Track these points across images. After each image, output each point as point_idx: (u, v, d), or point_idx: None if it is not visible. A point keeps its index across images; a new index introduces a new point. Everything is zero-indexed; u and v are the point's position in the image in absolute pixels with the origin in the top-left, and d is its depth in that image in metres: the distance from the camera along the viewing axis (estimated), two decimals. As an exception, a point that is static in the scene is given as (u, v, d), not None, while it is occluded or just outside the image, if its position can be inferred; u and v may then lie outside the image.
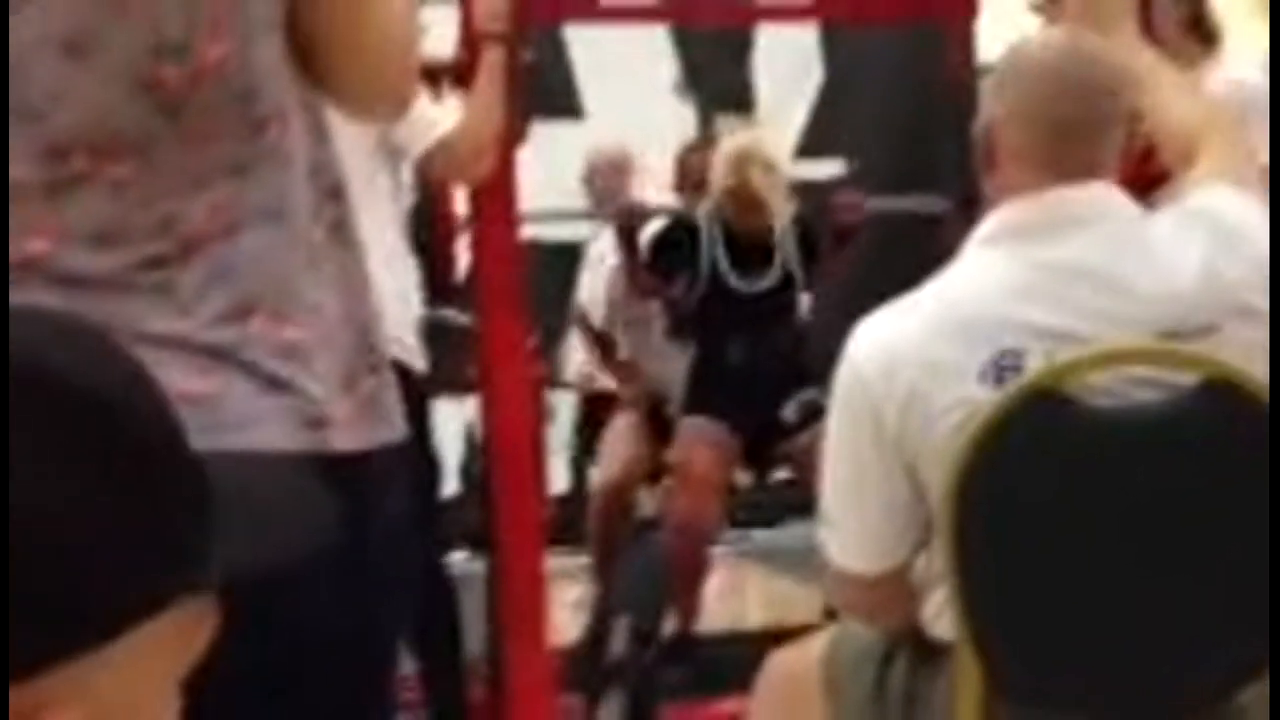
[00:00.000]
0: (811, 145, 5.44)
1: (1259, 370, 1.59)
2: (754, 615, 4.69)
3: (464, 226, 3.39)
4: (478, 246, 2.85)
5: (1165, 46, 2.44)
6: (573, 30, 4.98)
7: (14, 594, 0.58)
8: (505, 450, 2.78)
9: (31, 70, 1.09)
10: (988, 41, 5.03)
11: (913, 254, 3.46)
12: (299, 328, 1.12)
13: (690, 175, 3.97)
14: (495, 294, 2.78)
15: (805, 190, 5.46)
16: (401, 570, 1.20)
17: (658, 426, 3.83)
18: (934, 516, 1.62)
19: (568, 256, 4.75)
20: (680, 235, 3.65)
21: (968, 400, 1.57)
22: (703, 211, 3.68)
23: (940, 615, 1.70)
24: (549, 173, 4.26)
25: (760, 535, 5.04)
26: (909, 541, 1.66)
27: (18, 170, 1.11)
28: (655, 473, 3.89)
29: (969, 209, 3.86)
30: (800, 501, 4.46)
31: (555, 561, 3.29)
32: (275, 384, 1.09)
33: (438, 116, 2.55)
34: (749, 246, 3.60)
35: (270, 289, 1.12)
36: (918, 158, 5.42)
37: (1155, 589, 1.61)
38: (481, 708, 2.91)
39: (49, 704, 0.59)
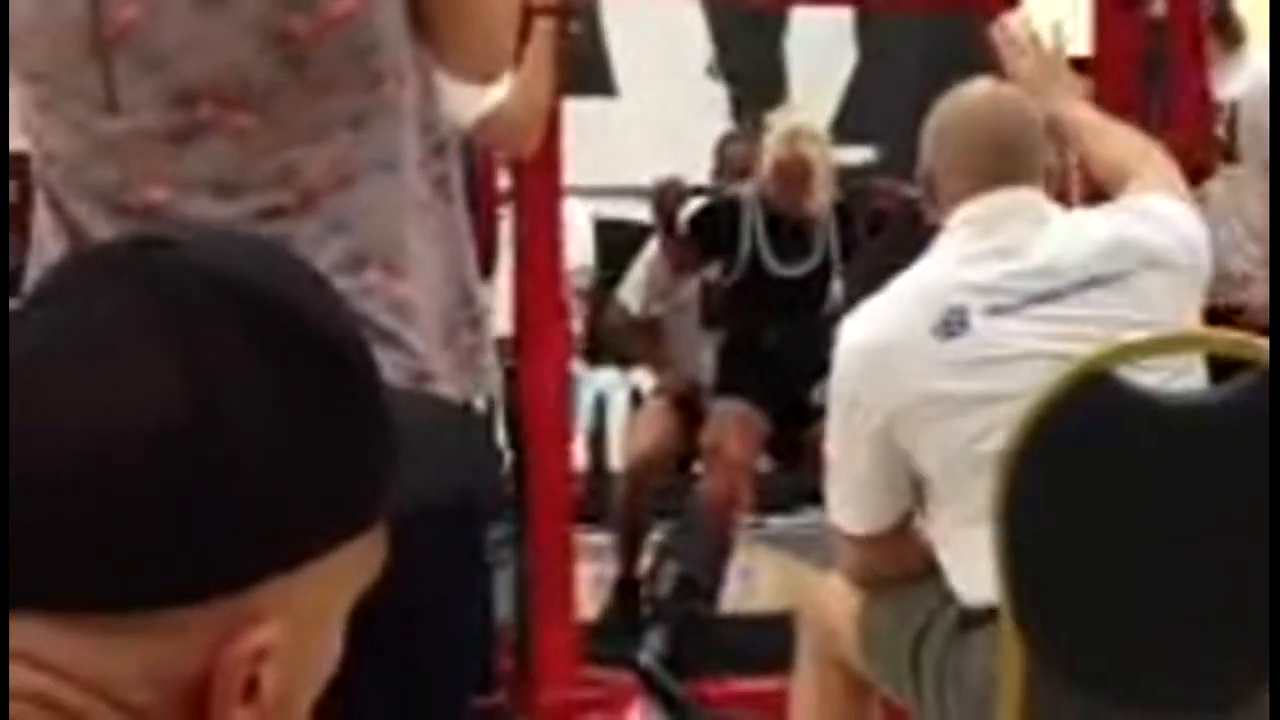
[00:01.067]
0: (843, 130, 5.43)
1: (1167, 309, 1.82)
2: (766, 599, 4.70)
3: (505, 200, 3.35)
4: (520, 219, 2.85)
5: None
6: (608, 8, 4.97)
7: (241, 509, 0.60)
8: (539, 424, 2.79)
9: (163, 19, 1.11)
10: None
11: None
12: (408, 281, 1.14)
13: (731, 164, 3.96)
14: (536, 268, 2.79)
15: (837, 175, 5.48)
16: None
17: (688, 414, 3.82)
18: (923, 480, 1.84)
19: (610, 232, 4.75)
20: (721, 214, 3.63)
21: (921, 355, 1.80)
22: (746, 192, 3.67)
23: (975, 584, 1.74)
24: (581, 148, 4.26)
25: (775, 521, 5.05)
26: (895, 505, 1.88)
27: (143, 117, 1.13)
28: (684, 461, 3.88)
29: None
30: (815, 488, 4.47)
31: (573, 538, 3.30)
32: (385, 338, 1.10)
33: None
34: (790, 231, 3.58)
35: (383, 240, 1.14)
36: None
37: (1201, 573, 1.62)
38: (508, 675, 2.93)
39: (256, 615, 0.61)
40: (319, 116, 1.13)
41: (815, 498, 4.77)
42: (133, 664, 0.60)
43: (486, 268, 3.69)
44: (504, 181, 3.37)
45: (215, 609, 0.60)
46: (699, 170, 4.15)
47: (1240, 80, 3.33)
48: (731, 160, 3.96)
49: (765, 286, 3.59)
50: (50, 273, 0.66)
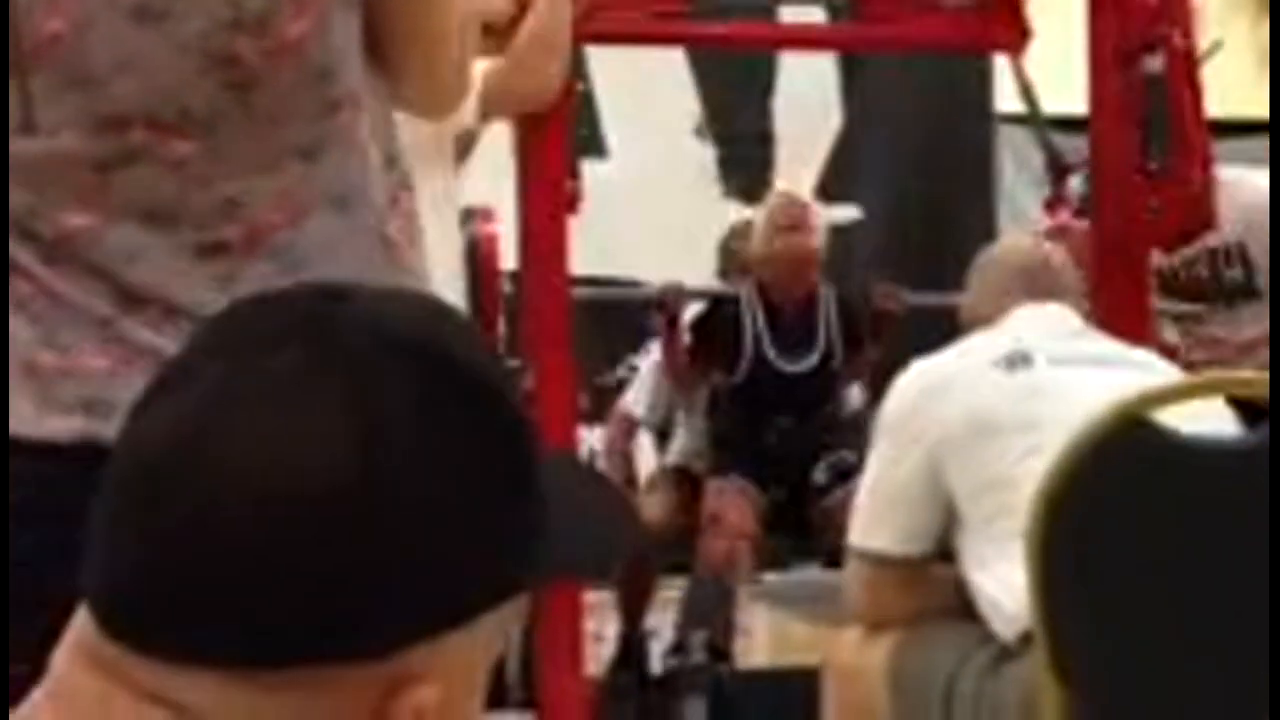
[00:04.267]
0: (829, 188, 5.48)
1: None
2: (763, 656, 4.68)
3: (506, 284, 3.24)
4: (528, 297, 2.83)
5: None
6: (597, 68, 5.01)
7: (407, 569, 0.60)
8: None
9: (94, 34, 1.02)
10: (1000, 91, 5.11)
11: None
12: None
13: (736, 261, 3.96)
14: (543, 334, 2.78)
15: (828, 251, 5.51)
16: None
17: (690, 489, 3.83)
18: (958, 507, 1.88)
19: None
20: (722, 315, 3.64)
21: (983, 382, 1.88)
22: (744, 289, 3.68)
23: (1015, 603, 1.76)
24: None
25: (771, 578, 5.05)
26: (924, 533, 1.93)
27: (64, 139, 1.03)
28: (686, 530, 3.88)
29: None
30: (809, 546, 4.48)
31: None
32: None
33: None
34: (791, 324, 3.60)
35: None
36: (934, 204, 5.48)
37: (1237, 617, 1.63)
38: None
39: (414, 675, 0.60)
40: (267, 147, 1.05)
41: (811, 553, 4.83)
42: None
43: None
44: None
45: (378, 667, 0.60)
46: (691, 241, 4.14)
47: (1234, 220, 3.18)
48: (737, 256, 3.96)
49: (770, 383, 3.60)
50: (220, 322, 0.65)
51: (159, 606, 0.59)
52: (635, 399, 4.11)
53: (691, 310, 3.74)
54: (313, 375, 0.60)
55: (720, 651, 3.37)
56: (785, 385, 3.60)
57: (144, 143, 1.03)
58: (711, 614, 3.42)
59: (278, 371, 0.60)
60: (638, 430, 4.19)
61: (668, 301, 3.60)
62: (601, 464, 4.49)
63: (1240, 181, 3.32)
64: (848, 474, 3.51)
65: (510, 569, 0.63)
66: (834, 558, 3.77)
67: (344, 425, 0.59)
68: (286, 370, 0.60)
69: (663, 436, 4.14)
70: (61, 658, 0.63)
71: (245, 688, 0.59)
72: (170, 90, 1.03)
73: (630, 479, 4.18)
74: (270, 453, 0.59)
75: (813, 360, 3.62)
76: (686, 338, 3.64)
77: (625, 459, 4.26)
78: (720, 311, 3.66)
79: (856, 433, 3.73)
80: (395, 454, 0.60)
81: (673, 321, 3.61)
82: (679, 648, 3.39)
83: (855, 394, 3.85)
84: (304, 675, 0.59)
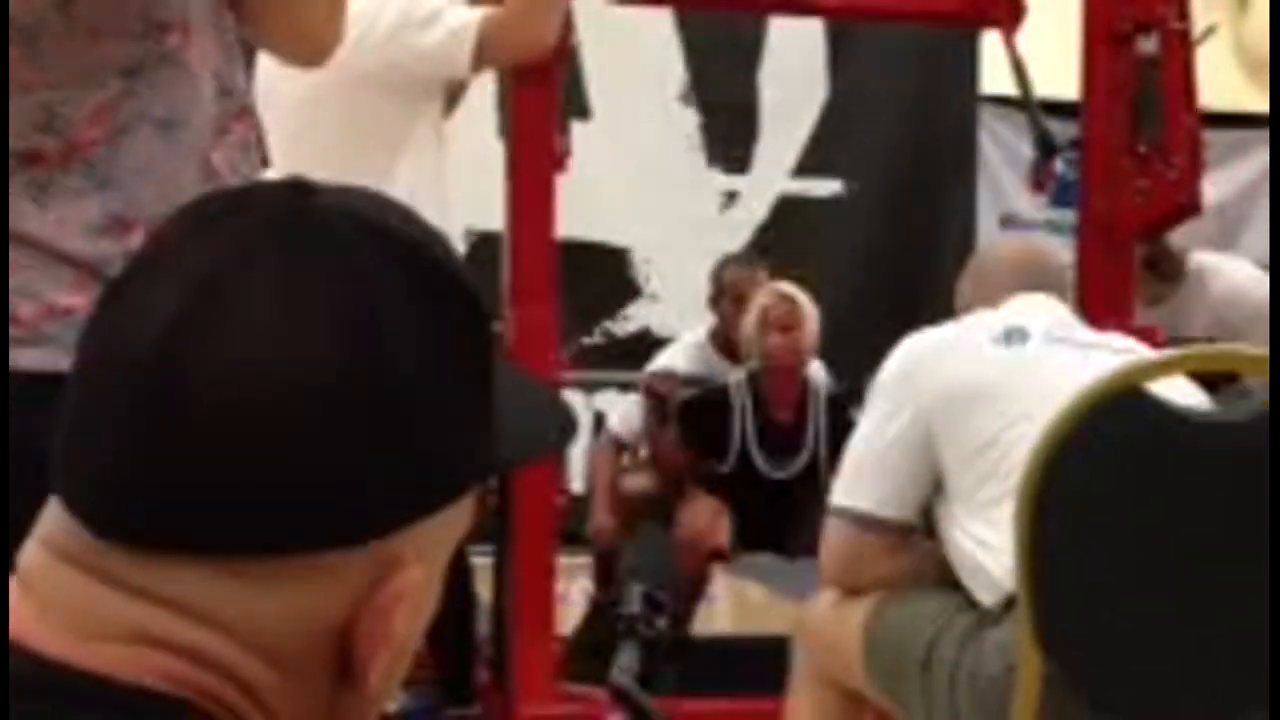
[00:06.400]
0: (811, 163, 5.48)
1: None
2: (724, 623, 4.72)
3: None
4: (513, 251, 2.81)
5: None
6: (584, 31, 4.98)
7: (403, 453, 0.60)
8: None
9: None
10: (988, 74, 5.12)
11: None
12: None
13: (729, 291, 3.89)
14: (527, 289, 2.76)
15: (802, 205, 5.51)
16: None
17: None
18: (945, 475, 1.89)
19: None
20: (711, 408, 3.61)
21: (978, 352, 1.90)
22: (734, 380, 3.65)
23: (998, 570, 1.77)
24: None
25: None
26: (906, 499, 1.92)
27: None
28: (665, 502, 3.87)
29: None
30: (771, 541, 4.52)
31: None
32: None
33: (464, 16, 2.41)
34: (780, 424, 3.59)
35: (152, 202, 1.07)
36: (916, 183, 5.49)
37: (1227, 590, 1.64)
38: (486, 689, 2.91)
39: (400, 559, 0.61)
40: (87, 60, 1.06)
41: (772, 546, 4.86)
42: (287, 612, 0.60)
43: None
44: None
45: (369, 553, 0.60)
46: (671, 206, 4.09)
47: (1202, 313, 3.21)
48: (731, 286, 3.91)
49: (755, 486, 3.59)
50: (195, 216, 0.64)
51: (153, 501, 0.59)
52: (623, 422, 4.08)
53: (681, 395, 3.70)
54: (299, 266, 0.60)
55: (659, 603, 3.36)
56: (768, 491, 3.59)
57: None
58: (655, 570, 3.42)
59: (264, 263, 0.60)
60: (625, 454, 4.16)
61: (654, 387, 3.57)
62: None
63: (1217, 271, 3.32)
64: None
65: (485, 451, 0.64)
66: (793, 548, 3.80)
67: (335, 314, 0.59)
68: (273, 262, 0.60)
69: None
70: (32, 556, 0.62)
71: (239, 580, 0.59)
72: None
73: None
74: (263, 343, 0.59)
75: (799, 465, 3.60)
76: (675, 413, 3.62)
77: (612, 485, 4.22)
78: (711, 400, 3.63)
79: None
80: (387, 340, 0.60)
81: (662, 412, 3.58)
82: (618, 600, 3.40)
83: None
84: (298, 565, 0.59)
